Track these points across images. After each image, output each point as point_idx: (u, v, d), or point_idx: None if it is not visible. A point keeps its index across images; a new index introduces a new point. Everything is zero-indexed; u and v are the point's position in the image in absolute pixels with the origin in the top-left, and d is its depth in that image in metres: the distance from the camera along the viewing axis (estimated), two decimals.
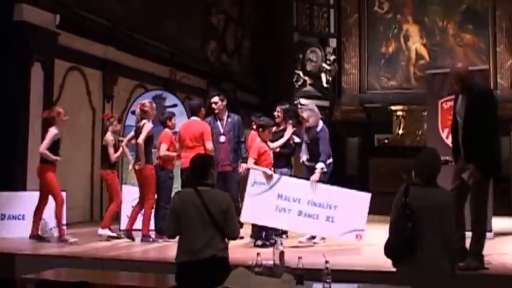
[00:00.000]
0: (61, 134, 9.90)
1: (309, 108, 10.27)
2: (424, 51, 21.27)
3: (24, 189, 10.73)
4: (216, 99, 10.54)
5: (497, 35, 20.37)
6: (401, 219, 5.40)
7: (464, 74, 7.62)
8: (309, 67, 21.07)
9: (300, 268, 5.58)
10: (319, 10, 21.58)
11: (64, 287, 5.79)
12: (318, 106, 10.17)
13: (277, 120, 10.27)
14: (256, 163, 9.31)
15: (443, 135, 11.08)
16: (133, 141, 10.25)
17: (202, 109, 10.11)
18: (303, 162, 9.93)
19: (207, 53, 17.03)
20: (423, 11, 21.37)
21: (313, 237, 9.71)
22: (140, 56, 14.31)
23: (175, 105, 11.93)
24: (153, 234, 9.93)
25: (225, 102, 10.58)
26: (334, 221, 9.27)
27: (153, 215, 10.02)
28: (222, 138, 10.38)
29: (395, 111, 20.41)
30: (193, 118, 9.95)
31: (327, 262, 5.34)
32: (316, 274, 5.43)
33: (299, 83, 20.78)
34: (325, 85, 21.24)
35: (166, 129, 10.21)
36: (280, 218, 9.23)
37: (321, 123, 9.94)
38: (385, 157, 19.74)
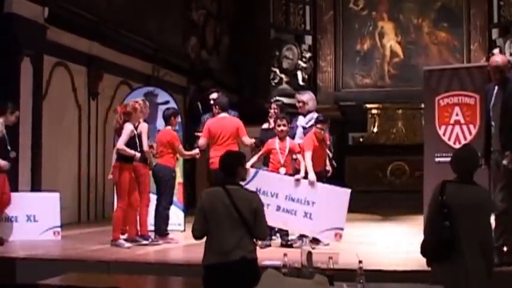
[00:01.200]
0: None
1: (307, 92, 10.20)
2: (398, 49, 21.26)
3: (16, 189, 10.32)
4: (215, 95, 10.34)
5: (471, 33, 20.45)
6: (438, 218, 5.31)
7: (503, 66, 7.87)
8: (285, 64, 20.94)
9: (331, 269, 5.47)
10: (295, 7, 21.39)
11: None
12: (293, 105, 10.04)
13: (273, 116, 10.06)
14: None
15: (440, 132, 10.98)
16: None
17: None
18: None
19: (187, 49, 16.75)
20: (398, 9, 21.34)
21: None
22: (124, 52, 14.04)
23: (167, 102, 11.67)
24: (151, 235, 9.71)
25: None
26: (312, 218, 8.89)
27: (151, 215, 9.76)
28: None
29: (370, 109, 20.39)
30: (224, 114, 9.59)
31: (360, 262, 5.23)
32: (344, 275, 5.40)
33: (275, 81, 20.61)
34: (301, 83, 21.08)
35: (168, 127, 9.86)
36: None
37: (315, 112, 9.87)
38: (360, 155, 19.73)
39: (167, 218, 9.72)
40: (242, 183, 8.54)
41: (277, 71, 20.74)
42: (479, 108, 10.81)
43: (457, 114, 10.92)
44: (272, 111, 10.11)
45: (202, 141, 9.53)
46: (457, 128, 10.91)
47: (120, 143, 9.20)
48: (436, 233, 5.30)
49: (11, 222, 9.94)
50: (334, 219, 8.92)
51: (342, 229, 8.87)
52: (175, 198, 10.62)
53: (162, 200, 9.67)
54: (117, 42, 13.66)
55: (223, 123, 9.42)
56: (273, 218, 8.81)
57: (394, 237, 10.55)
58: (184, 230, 10.37)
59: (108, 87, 13.60)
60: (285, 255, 5.57)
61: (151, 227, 9.81)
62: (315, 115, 9.80)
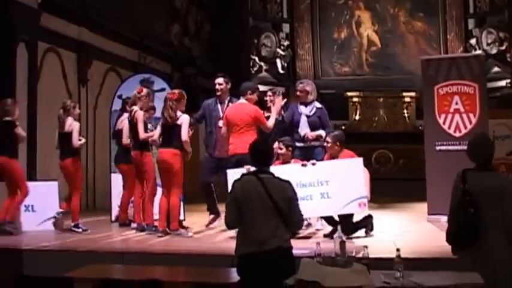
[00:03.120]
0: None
1: (310, 82, 10.10)
2: (375, 38, 21.30)
3: (34, 178, 10.15)
4: (221, 80, 9.93)
5: (447, 23, 20.58)
6: (462, 205, 5.33)
7: None
8: (264, 52, 20.84)
9: (366, 257, 5.44)
10: None
11: (133, 286, 5.33)
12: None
13: (269, 104, 9.89)
14: None
15: (440, 120, 11.09)
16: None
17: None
18: (305, 135, 9.57)
19: (171, 36, 16.54)
20: None
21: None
22: (111, 38, 13.82)
23: (163, 89, 11.48)
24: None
25: (229, 85, 9.98)
26: (330, 196, 8.58)
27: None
28: (221, 123, 9.93)
29: (351, 97, 20.34)
30: (241, 101, 9.22)
31: (398, 250, 5.25)
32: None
33: (255, 69, 20.48)
34: (280, 71, 21.00)
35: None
36: None
37: (317, 102, 9.82)
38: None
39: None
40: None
41: (257, 58, 20.62)
42: (479, 97, 10.93)
43: (456, 103, 11.02)
44: (268, 98, 9.97)
45: (223, 130, 9.30)
46: (457, 116, 11.02)
47: (141, 132, 9.24)
48: (461, 221, 5.31)
49: None
50: (353, 191, 8.60)
51: (364, 197, 8.60)
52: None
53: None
54: (105, 29, 13.44)
55: (238, 110, 9.15)
56: None
57: (391, 225, 10.46)
58: (184, 219, 10.21)
59: (97, 74, 13.37)
60: (317, 244, 5.55)
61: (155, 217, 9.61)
62: (317, 104, 9.72)
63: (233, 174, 8.65)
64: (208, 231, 9.56)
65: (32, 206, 9.83)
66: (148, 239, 8.88)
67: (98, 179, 13.18)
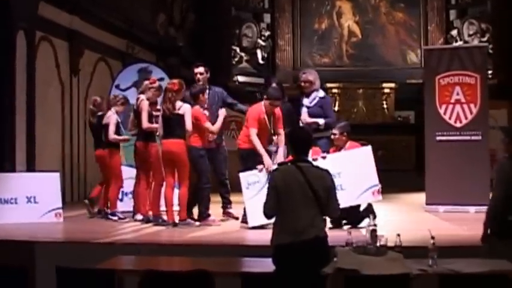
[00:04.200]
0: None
1: (313, 71, 9.94)
2: (356, 29, 21.23)
3: (13, 169, 9.82)
4: (201, 69, 9.81)
5: (428, 14, 20.59)
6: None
7: None
8: (245, 43, 20.67)
9: (399, 246, 5.47)
10: None
11: (181, 277, 5.20)
12: (253, 83, 9.86)
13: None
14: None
15: (441, 111, 11.14)
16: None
17: None
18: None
19: (156, 25, 16.33)
20: None
21: None
22: (101, 27, 13.61)
23: (162, 79, 11.32)
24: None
25: (208, 74, 9.90)
26: (344, 188, 8.49)
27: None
28: (206, 112, 9.72)
29: (331, 88, 20.22)
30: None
31: (433, 238, 5.26)
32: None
33: (236, 59, 20.31)
34: (260, 61, 20.87)
35: (196, 106, 9.32)
36: None
37: (321, 91, 9.68)
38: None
39: (207, 199, 9.24)
40: (261, 184, 8.51)
41: (238, 49, 20.45)
42: (480, 88, 10.98)
43: (457, 94, 11.08)
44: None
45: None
46: (457, 107, 11.08)
47: (145, 122, 9.13)
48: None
49: (10, 205, 9.50)
50: (365, 180, 8.71)
51: (377, 185, 8.73)
52: None
53: (198, 180, 9.14)
54: (95, 17, 13.23)
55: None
56: None
57: (388, 215, 10.41)
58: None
59: (88, 64, 13.14)
60: (349, 233, 5.60)
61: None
62: (319, 94, 9.61)
63: (247, 177, 8.68)
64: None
65: (34, 197, 9.65)
66: (159, 230, 8.79)
67: (89, 171, 12.96)
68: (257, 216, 8.48)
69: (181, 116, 8.78)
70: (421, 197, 12.29)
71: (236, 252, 6.94)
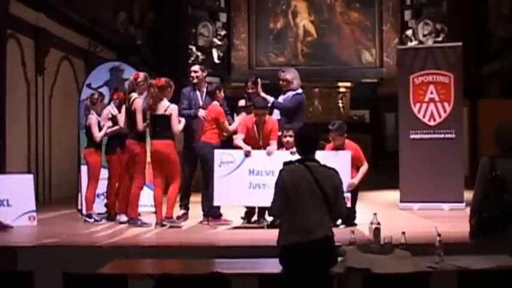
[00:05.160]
0: None
1: (292, 70, 9.92)
2: (311, 28, 21.33)
3: (3, 171, 9.50)
4: (196, 67, 9.88)
5: (383, 14, 20.85)
6: (493, 193, 5.39)
7: None
8: (201, 42, 20.56)
9: (404, 243, 5.48)
10: None
11: (197, 280, 5.06)
12: (208, 83, 9.76)
13: (251, 96, 9.73)
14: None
15: (415, 109, 11.20)
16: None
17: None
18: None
19: (117, 24, 16.04)
20: None
21: None
22: (65, 25, 13.29)
23: None
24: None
25: (205, 73, 9.91)
26: None
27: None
28: (201, 112, 9.71)
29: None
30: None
31: (439, 235, 5.27)
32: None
33: (192, 58, 20.13)
34: (216, 61, 20.77)
35: (215, 102, 9.15)
36: (256, 195, 8.51)
37: (300, 89, 9.62)
38: None
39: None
40: (234, 165, 8.48)
41: (194, 48, 20.29)
42: (454, 87, 11.10)
43: (431, 92, 11.18)
44: (251, 91, 9.76)
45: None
46: (431, 105, 11.17)
47: (140, 123, 8.89)
48: (493, 208, 5.38)
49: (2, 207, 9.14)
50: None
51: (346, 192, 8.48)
52: (147, 179, 10.04)
53: (211, 178, 8.83)
54: (60, 15, 12.93)
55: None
56: None
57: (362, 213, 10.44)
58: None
59: (52, 63, 12.81)
60: (352, 232, 5.63)
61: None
62: (297, 91, 9.56)
63: (221, 155, 8.59)
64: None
65: (7, 200, 9.23)
66: (146, 231, 8.60)
67: (54, 172, 12.65)
68: (223, 197, 8.59)
69: (168, 117, 8.63)
70: (390, 195, 12.40)
71: (242, 252, 6.74)
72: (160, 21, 18.56)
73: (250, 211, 9.06)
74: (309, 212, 5.14)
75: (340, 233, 6.38)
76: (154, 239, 8.21)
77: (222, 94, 9.29)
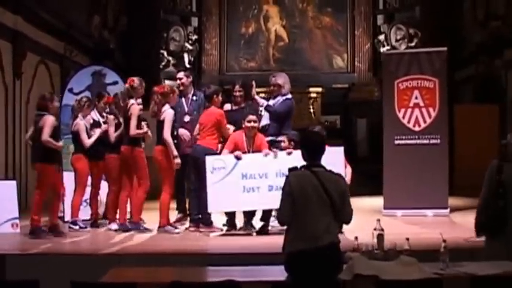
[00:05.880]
0: None
1: (282, 75, 9.88)
2: (283, 33, 21.22)
3: None
4: (181, 74, 9.90)
5: (355, 19, 20.77)
6: (493, 197, 5.50)
7: None
8: (172, 46, 20.33)
9: (408, 249, 5.46)
10: None
11: None
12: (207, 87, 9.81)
13: (238, 99, 9.75)
14: None
15: (400, 115, 11.19)
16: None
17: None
18: (262, 127, 9.34)
19: (91, 28, 15.80)
20: None
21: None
22: (42, 29, 13.09)
23: (115, 83, 11.04)
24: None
25: (190, 79, 9.93)
26: None
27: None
28: (187, 118, 9.66)
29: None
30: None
31: (444, 241, 5.31)
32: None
33: (163, 63, 19.94)
34: (187, 66, 20.53)
35: (213, 107, 9.05)
36: (250, 199, 8.53)
37: (290, 94, 9.58)
38: None
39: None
40: (226, 170, 8.39)
41: (165, 53, 20.07)
42: (439, 92, 11.11)
43: (416, 98, 11.19)
44: (237, 94, 9.71)
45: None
46: (416, 111, 11.17)
47: (132, 129, 8.80)
48: (490, 212, 5.52)
49: None
50: None
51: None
52: None
53: (204, 185, 8.71)
54: (37, 18, 12.72)
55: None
56: (267, 200, 8.49)
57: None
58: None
59: (29, 67, 12.59)
60: (356, 238, 5.57)
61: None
62: (287, 96, 9.50)
63: (212, 162, 8.50)
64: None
65: None
66: (138, 238, 8.53)
67: (31, 179, 12.36)
68: (217, 203, 8.53)
69: (162, 122, 8.60)
70: (368, 201, 12.35)
71: (241, 260, 6.66)
72: (133, 26, 18.34)
73: (232, 218, 8.99)
74: (316, 218, 5.12)
75: (344, 239, 6.33)
76: (149, 246, 8.08)
77: (220, 98, 9.19)
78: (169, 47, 20.27)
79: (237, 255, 7.19)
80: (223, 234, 8.76)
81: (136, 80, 9.04)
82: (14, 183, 9.49)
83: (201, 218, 8.94)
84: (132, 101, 8.88)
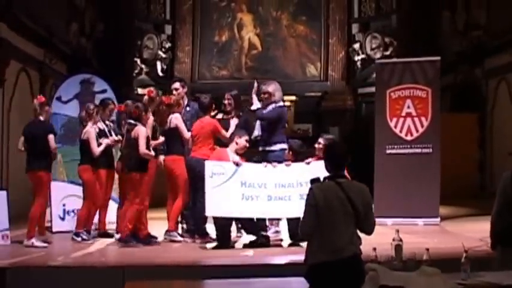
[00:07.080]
0: None
1: (273, 82, 9.69)
2: (257, 41, 21.13)
3: None
4: (177, 84, 9.66)
5: (330, 27, 20.74)
6: (507, 208, 5.41)
7: None
8: (145, 54, 20.13)
9: (428, 260, 5.34)
10: None
11: None
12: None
13: (228, 108, 9.62)
14: None
15: (392, 124, 11.17)
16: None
17: None
18: (254, 138, 9.25)
19: (69, 35, 15.53)
20: (257, 1, 21.19)
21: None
22: (23, 36, 12.78)
23: (104, 91, 10.85)
24: None
25: (185, 89, 9.75)
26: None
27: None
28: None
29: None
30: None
31: (466, 251, 5.15)
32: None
33: (136, 71, 19.73)
34: (160, 74, 20.38)
35: (207, 117, 8.99)
36: (249, 207, 8.46)
37: (281, 102, 9.45)
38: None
39: (206, 216, 8.84)
40: (226, 177, 8.29)
41: (139, 61, 19.85)
42: (431, 101, 11.10)
43: (408, 107, 11.17)
44: (226, 102, 9.62)
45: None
46: (408, 120, 11.16)
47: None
48: (506, 220, 5.41)
49: None
50: None
51: None
52: (113, 194, 9.95)
53: (200, 196, 8.58)
54: (19, 25, 12.45)
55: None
56: (266, 210, 8.53)
57: None
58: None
59: (11, 75, 12.28)
60: (374, 249, 5.42)
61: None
62: (279, 104, 9.39)
63: (212, 166, 8.39)
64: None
65: None
66: (138, 251, 8.34)
67: (11, 185, 12.07)
68: (215, 207, 8.38)
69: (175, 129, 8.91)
70: None
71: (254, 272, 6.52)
72: (109, 33, 18.07)
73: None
74: (340, 229, 5.05)
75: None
76: (155, 258, 7.89)
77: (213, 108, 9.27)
78: (143, 55, 20.07)
79: (255, 266, 7.09)
80: (216, 247, 8.57)
81: (154, 91, 9.14)
82: (4, 193, 9.26)
83: (196, 229, 8.90)
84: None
